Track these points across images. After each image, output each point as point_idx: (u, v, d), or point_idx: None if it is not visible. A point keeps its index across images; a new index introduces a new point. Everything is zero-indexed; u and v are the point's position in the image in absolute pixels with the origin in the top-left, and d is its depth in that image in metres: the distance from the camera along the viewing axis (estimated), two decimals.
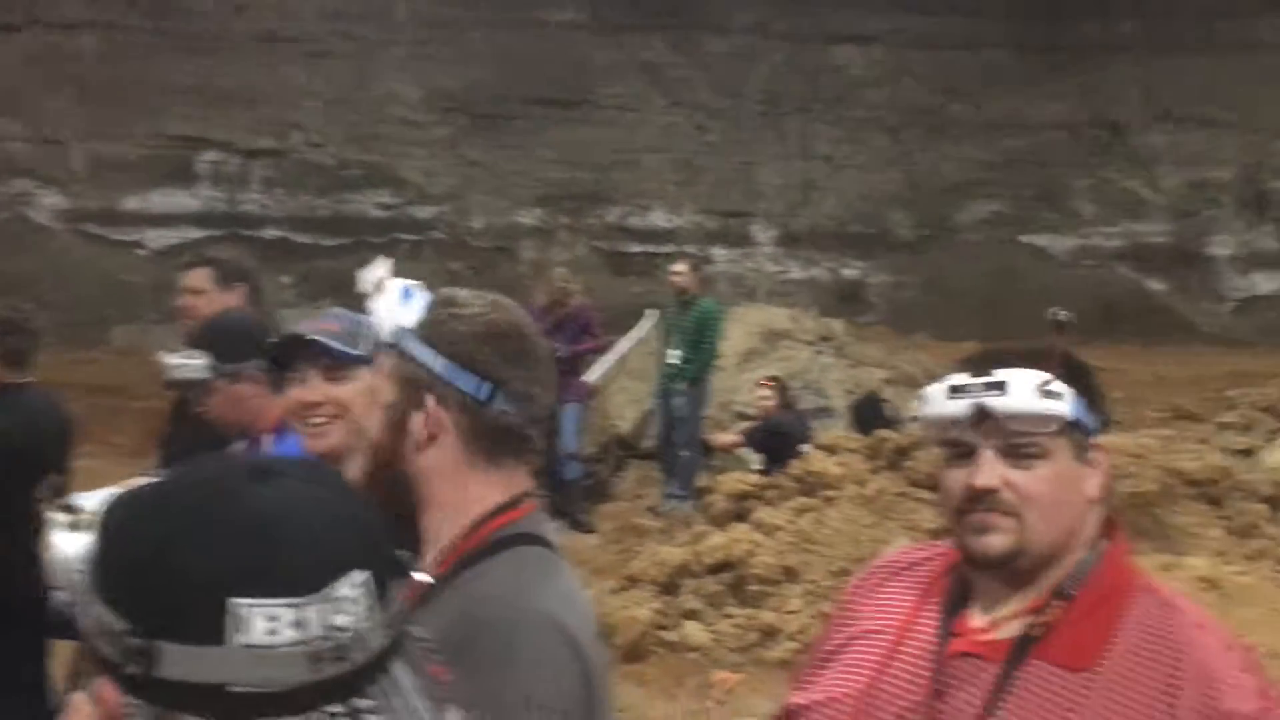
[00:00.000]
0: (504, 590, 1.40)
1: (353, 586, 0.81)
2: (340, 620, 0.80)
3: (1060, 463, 1.44)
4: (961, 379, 1.46)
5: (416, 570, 0.90)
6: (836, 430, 8.85)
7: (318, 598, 0.80)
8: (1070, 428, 1.45)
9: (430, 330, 1.49)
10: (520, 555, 1.45)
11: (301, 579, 0.80)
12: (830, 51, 16.02)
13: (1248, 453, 7.65)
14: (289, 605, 0.79)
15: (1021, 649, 1.43)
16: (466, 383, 1.48)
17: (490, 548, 1.45)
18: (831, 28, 15.87)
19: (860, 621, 1.61)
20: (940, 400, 1.47)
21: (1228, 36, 14.82)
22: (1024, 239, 15.69)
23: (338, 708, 0.81)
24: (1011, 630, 1.46)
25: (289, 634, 0.79)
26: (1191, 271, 15.26)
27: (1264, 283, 15.09)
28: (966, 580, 1.53)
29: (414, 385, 1.48)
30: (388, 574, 0.85)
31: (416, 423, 1.47)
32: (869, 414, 9.11)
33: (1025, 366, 1.45)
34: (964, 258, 15.58)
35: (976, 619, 1.50)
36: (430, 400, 1.47)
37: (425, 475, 1.48)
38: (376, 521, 0.88)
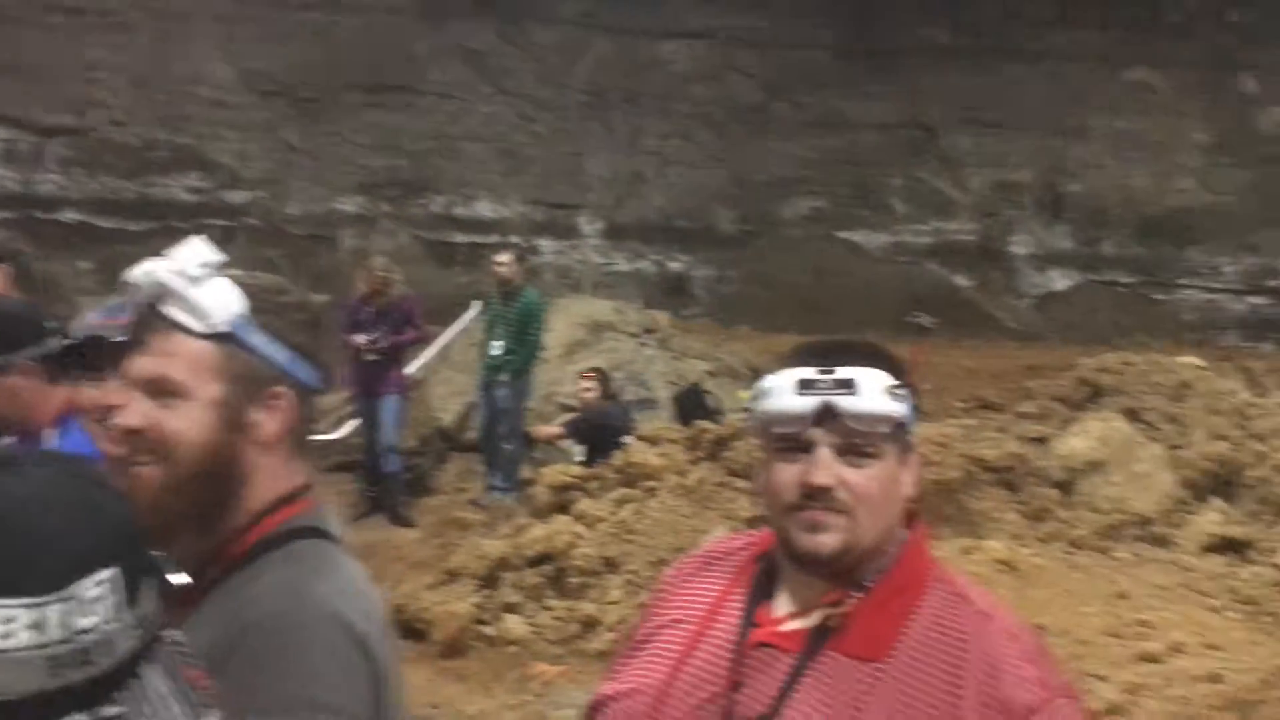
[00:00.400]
0: (283, 588, 1.32)
1: (98, 586, 0.76)
2: (84, 622, 0.75)
3: (889, 462, 1.46)
4: (810, 374, 1.45)
5: (174, 572, 0.85)
6: (659, 421, 8.96)
7: (58, 597, 0.74)
8: (899, 428, 1.47)
9: (268, 319, 1.40)
10: (299, 550, 1.38)
11: (40, 577, 0.74)
12: (657, 46, 16.14)
13: (1042, 440, 8.05)
14: (25, 605, 0.73)
15: (817, 640, 1.44)
16: (307, 374, 1.42)
17: (268, 544, 1.38)
18: (659, 22, 15.98)
19: (670, 611, 1.61)
20: (787, 394, 1.45)
21: (1028, 46, 15.60)
22: (841, 235, 16.15)
23: (82, 716, 0.75)
24: (811, 621, 1.46)
25: (25, 636, 0.73)
26: (994, 268, 16.01)
27: (1059, 280, 15.97)
28: (773, 570, 1.54)
29: (256, 379, 1.38)
30: (140, 574, 0.79)
31: (260, 419, 1.39)
32: (691, 405, 9.25)
33: (865, 364, 1.46)
34: (785, 253, 15.94)
35: (779, 609, 1.50)
36: (287, 394, 1.40)
37: (255, 475, 1.39)
38: (129, 519, 0.82)
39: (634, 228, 15.91)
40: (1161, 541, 7.05)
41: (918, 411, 1.52)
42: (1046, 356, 12.86)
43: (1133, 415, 8.10)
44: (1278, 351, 14.31)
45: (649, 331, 11.39)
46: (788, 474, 1.45)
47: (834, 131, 16.06)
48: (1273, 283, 15.46)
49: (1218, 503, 7.47)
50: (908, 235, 16.18)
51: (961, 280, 15.97)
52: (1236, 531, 7.07)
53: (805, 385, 1.44)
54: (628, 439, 7.61)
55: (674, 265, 15.95)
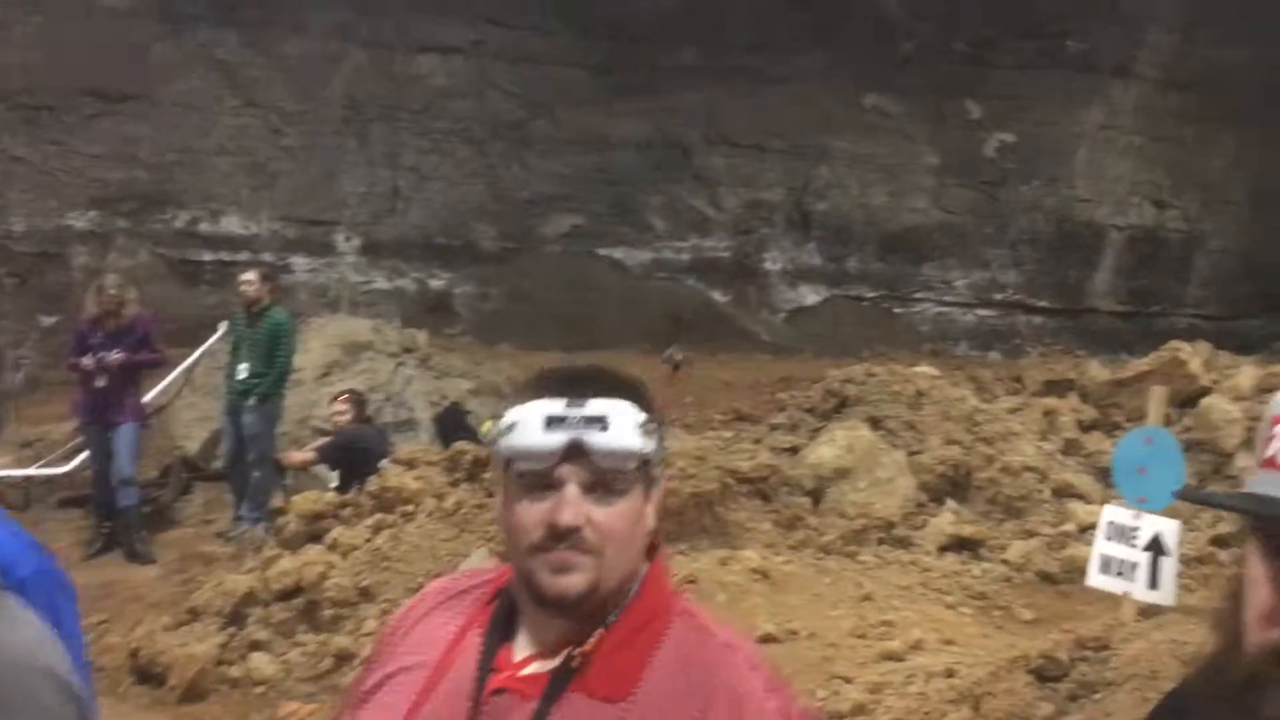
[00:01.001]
0: None
1: None
2: None
3: (635, 497, 1.41)
4: (557, 409, 1.38)
5: None
6: (420, 442, 8.78)
7: None
8: (645, 462, 1.42)
9: None
10: None
11: None
12: (415, 60, 15.89)
13: (794, 450, 8.33)
14: None
15: (559, 683, 1.38)
16: None
17: None
18: (416, 36, 15.74)
19: (401, 656, 1.51)
20: (534, 432, 1.37)
21: (776, 70, 16.26)
22: (602, 252, 16.34)
23: None
24: (553, 663, 1.40)
25: None
26: (749, 284, 16.57)
27: (809, 295, 16.68)
28: (512, 609, 1.46)
29: None
30: None
31: None
32: (452, 425, 9.13)
33: (614, 395, 1.40)
34: (546, 269, 15.98)
35: (520, 651, 1.43)
36: None
37: None
38: None
39: (392, 245, 15.58)
40: (903, 543, 7.42)
41: (664, 446, 1.48)
42: (798, 368, 13.40)
43: (875, 423, 8.51)
44: (1004, 360, 15.43)
45: (408, 351, 11.16)
46: (533, 513, 1.37)
47: (593, 149, 16.23)
48: (999, 296, 16.66)
49: (952, 504, 7.93)
50: (667, 252, 16.54)
51: (718, 296, 16.44)
52: (969, 531, 7.52)
53: (553, 422, 1.37)
54: (384, 463, 7.39)
55: (434, 283, 15.71)
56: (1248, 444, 8.68)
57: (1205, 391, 9.49)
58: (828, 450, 8.05)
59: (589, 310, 15.46)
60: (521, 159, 16.10)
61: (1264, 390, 9.46)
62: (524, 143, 16.10)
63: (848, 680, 4.99)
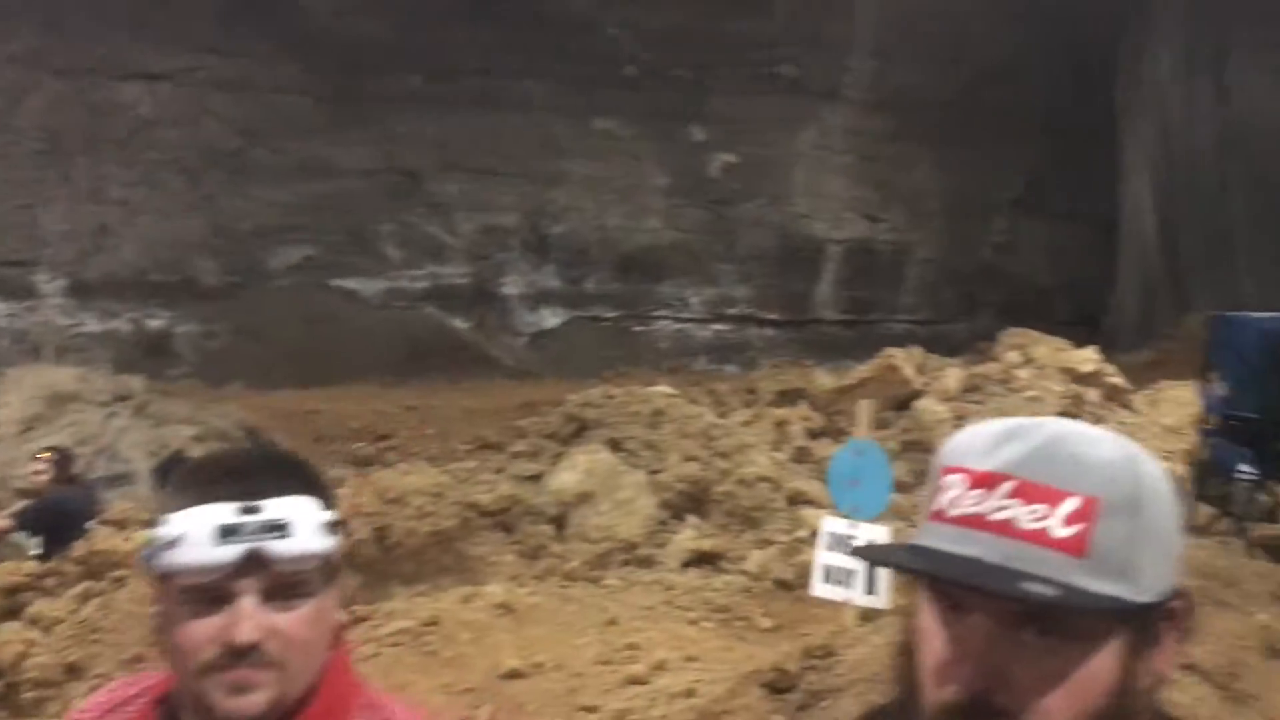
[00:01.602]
0: None
1: None
2: None
3: (319, 596, 1.27)
4: (230, 517, 1.21)
5: None
6: (137, 498, 8.21)
7: None
8: (328, 560, 1.28)
9: None
10: None
11: None
12: (119, 88, 14.95)
13: (536, 478, 8.28)
14: None
15: None
16: None
17: None
18: (117, 63, 14.83)
19: None
20: (203, 545, 1.20)
21: (503, 95, 16.29)
22: (335, 283, 15.88)
23: None
24: None
25: None
26: (489, 310, 16.50)
27: (549, 318, 16.78)
28: (175, 715, 1.33)
29: None
30: None
31: None
32: (174, 476, 8.52)
33: (292, 492, 1.26)
34: (277, 304, 15.38)
35: None
36: None
37: None
38: None
39: (103, 284, 14.59)
40: (646, 563, 7.50)
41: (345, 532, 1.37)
42: (541, 392, 13.38)
43: (616, 445, 8.57)
44: (739, 373, 15.97)
45: (122, 399, 10.42)
46: (203, 630, 1.22)
47: (318, 178, 15.77)
48: (731, 311, 17.28)
49: (692, 520, 8.09)
50: (403, 280, 16.25)
51: (458, 322, 16.28)
52: (709, 545, 7.69)
53: (227, 533, 1.21)
54: (92, 524, 6.83)
55: (152, 323, 14.80)
56: None
57: (918, 394, 10.10)
58: (568, 476, 8.05)
59: (324, 344, 14.96)
60: (242, 189, 15.44)
61: (969, 390, 10.18)
62: (243, 172, 15.45)
63: (593, 710, 4.96)
